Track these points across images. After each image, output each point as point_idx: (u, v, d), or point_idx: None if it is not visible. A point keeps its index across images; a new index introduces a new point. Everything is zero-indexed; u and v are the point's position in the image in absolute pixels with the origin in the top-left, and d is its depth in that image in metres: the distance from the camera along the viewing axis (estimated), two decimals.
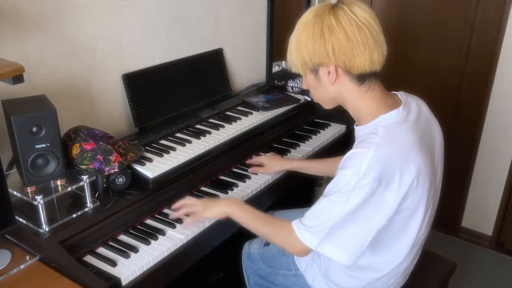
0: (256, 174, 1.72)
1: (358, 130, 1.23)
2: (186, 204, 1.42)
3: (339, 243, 1.15)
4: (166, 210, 1.52)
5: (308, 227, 1.17)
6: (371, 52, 1.12)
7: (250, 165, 1.76)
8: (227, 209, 1.36)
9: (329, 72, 1.17)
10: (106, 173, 1.39)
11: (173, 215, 1.44)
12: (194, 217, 1.40)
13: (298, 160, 1.79)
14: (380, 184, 1.09)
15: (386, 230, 1.18)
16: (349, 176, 1.10)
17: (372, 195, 1.10)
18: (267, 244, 1.59)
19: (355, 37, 1.11)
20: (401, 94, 1.25)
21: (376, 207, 1.12)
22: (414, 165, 1.13)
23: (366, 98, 1.20)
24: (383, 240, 1.21)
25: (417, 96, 1.32)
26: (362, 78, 1.17)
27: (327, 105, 1.29)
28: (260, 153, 1.84)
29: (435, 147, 1.27)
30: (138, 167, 1.48)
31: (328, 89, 1.21)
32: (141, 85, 1.77)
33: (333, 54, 1.13)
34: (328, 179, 1.25)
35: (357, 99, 1.20)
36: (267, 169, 1.71)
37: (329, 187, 1.17)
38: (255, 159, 1.77)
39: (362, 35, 1.11)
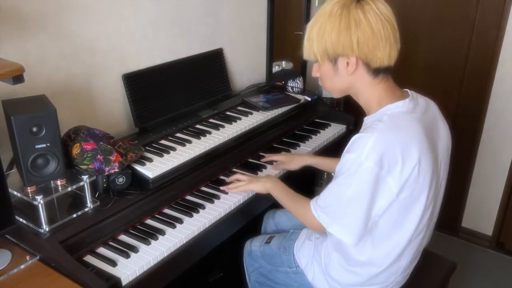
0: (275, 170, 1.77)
1: (366, 119, 1.27)
2: (235, 179, 1.61)
3: (345, 224, 1.21)
4: (166, 210, 1.52)
5: (321, 207, 1.26)
6: (391, 48, 1.18)
7: (252, 163, 1.78)
8: (267, 186, 1.52)
9: (347, 63, 1.20)
10: (106, 173, 1.39)
11: (224, 188, 1.60)
12: (239, 189, 1.57)
13: (316, 157, 1.80)
14: (382, 168, 1.13)
15: (385, 219, 1.21)
16: (352, 159, 1.16)
17: (376, 179, 1.14)
18: (268, 242, 1.61)
19: (379, 32, 1.16)
20: (411, 91, 1.30)
21: (378, 190, 1.16)
22: (416, 152, 1.16)
23: (378, 89, 1.24)
24: (382, 230, 1.24)
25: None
26: (377, 71, 1.22)
27: (338, 94, 1.33)
28: (262, 154, 1.83)
29: (439, 145, 1.28)
30: (138, 167, 1.48)
31: (343, 79, 1.25)
32: (141, 85, 1.77)
33: (357, 46, 1.17)
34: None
35: (369, 90, 1.25)
36: (288, 164, 1.75)
37: (336, 170, 1.23)
38: (273, 157, 1.79)
39: (385, 31, 1.16)
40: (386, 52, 1.18)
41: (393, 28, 1.18)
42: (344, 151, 1.20)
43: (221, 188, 1.61)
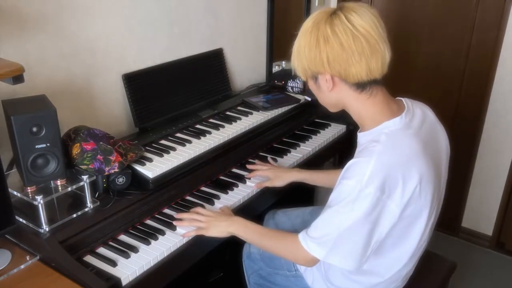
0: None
1: (361, 137, 1.22)
2: (192, 218, 1.43)
3: (345, 252, 1.15)
4: (166, 210, 1.52)
5: (314, 238, 1.18)
6: (368, 61, 1.11)
7: (251, 171, 1.71)
8: (231, 229, 1.37)
9: (327, 80, 1.17)
10: (106, 173, 1.39)
11: (177, 223, 1.43)
12: (197, 232, 1.39)
13: (304, 171, 1.71)
14: (383, 193, 1.09)
15: (387, 236, 1.17)
16: (352, 186, 1.10)
17: (376, 204, 1.09)
18: None
19: (350, 47, 1.09)
20: (405, 100, 1.25)
21: (380, 215, 1.11)
22: (416, 172, 1.12)
23: (368, 104, 1.19)
24: (385, 245, 1.21)
25: (422, 101, 1.31)
26: (361, 86, 1.16)
27: (331, 109, 1.29)
28: (249, 160, 1.82)
29: (441, 152, 1.26)
30: (138, 167, 1.48)
31: (328, 95, 1.21)
32: (141, 85, 1.77)
33: (328, 64, 1.13)
34: None
35: (358, 105, 1.20)
36: (273, 181, 1.65)
37: (332, 197, 1.16)
38: (258, 172, 1.68)
39: (357, 45, 1.09)
40: (363, 66, 1.11)
41: (371, 39, 1.09)
42: (340, 177, 1.15)
43: (174, 223, 1.43)
